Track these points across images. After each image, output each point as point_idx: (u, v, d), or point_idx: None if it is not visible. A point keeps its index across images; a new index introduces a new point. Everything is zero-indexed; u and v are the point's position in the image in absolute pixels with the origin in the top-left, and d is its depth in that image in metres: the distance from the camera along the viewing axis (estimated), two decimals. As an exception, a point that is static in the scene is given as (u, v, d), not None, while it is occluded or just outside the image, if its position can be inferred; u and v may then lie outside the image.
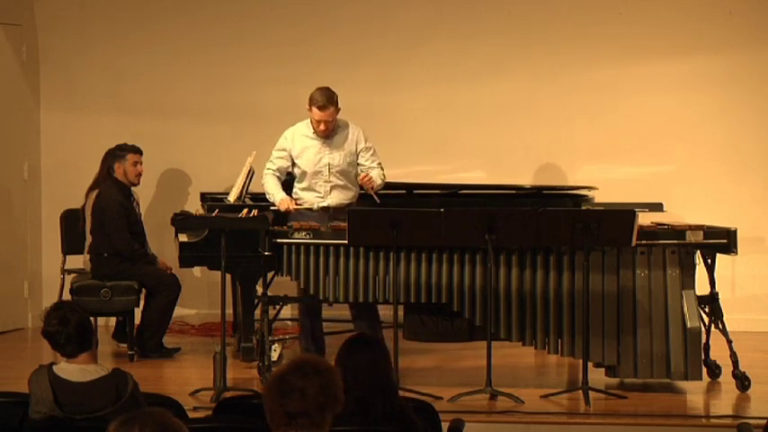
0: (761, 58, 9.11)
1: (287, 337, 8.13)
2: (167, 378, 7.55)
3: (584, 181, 8.62)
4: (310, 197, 7.46)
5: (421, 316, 8.40)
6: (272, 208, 7.37)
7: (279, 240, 6.90)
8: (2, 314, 9.06)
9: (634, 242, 6.58)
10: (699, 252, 6.86)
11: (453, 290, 6.80)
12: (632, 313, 6.73)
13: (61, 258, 8.72)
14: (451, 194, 8.48)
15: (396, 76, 9.39)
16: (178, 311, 8.33)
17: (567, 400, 6.58)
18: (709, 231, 6.85)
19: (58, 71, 9.55)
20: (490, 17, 9.36)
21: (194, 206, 8.79)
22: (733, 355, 6.87)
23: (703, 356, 6.91)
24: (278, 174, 7.51)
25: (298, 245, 6.90)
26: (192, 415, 4.94)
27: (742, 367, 6.85)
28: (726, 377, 6.95)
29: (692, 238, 6.80)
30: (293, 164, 7.50)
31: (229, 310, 7.59)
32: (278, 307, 7.21)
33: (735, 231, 6.81)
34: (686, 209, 8.70)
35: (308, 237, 6.91)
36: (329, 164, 7.44)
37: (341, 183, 7.48)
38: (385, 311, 7.55)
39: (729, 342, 6.86)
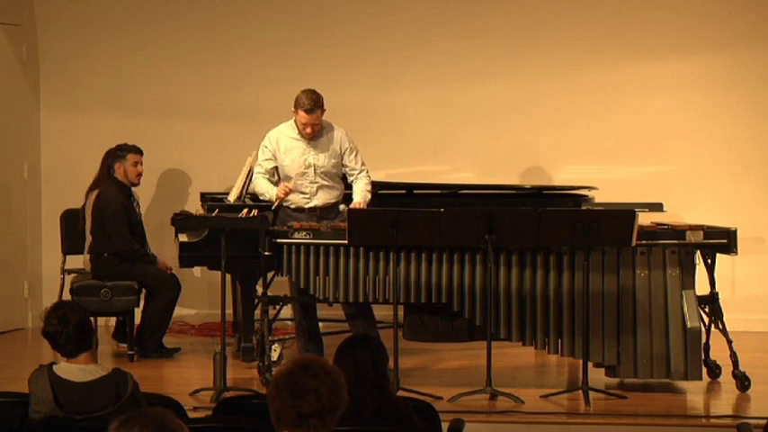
0: (761, 58, 9.11)
1: (287, 337, 8.12)
2: (167, 378, 7.54)
3: (585, 181, 8.61)
4: (297, 198, 7.40)
5: (421, 316, 8.37)
6: (272, 208, 7.36)
7: (279, 240, 6.90)
8: (2, 314, 9.06)
9: (634, 242, 6.57)
10: (699, 252, 6.86)
11: (453, 290, 6.80)
12: (632, 313, 6.73)
13: (61, 258, 8.73)
14: (451, 194, 8.47)
15: (396, 76, 9.39)
16: (178, 311, 8.33)
17: (567, 400, 6.58)
18: (709, 231, 6.84)
19: (58, 71, 9.55)
20: (490, 17, 9.36)
21: (194, 206, 8.79)
22: (733, 355, 6.87)
23: (703, 356, 6.90)
24: (267, 176, 7.47)
25: (298, 245, 6.90)
26: (191, 415, 4.93)
27: (742, 367, 6.85)
28: (726, 377, 6.95)
29: (692, 238, 6.80)
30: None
31: (229, 310, 7.59)
32: (278, 307, 7.21)
33: (735, 231, 6.81)
34: (686, 209, 8.71)
35: (308, 237, 6.90)
36: (314, 165, 7.39)
37: (327, 183, 7.43)
38: (384, 311, 7.55)
39: (729, 342, 6.86)
